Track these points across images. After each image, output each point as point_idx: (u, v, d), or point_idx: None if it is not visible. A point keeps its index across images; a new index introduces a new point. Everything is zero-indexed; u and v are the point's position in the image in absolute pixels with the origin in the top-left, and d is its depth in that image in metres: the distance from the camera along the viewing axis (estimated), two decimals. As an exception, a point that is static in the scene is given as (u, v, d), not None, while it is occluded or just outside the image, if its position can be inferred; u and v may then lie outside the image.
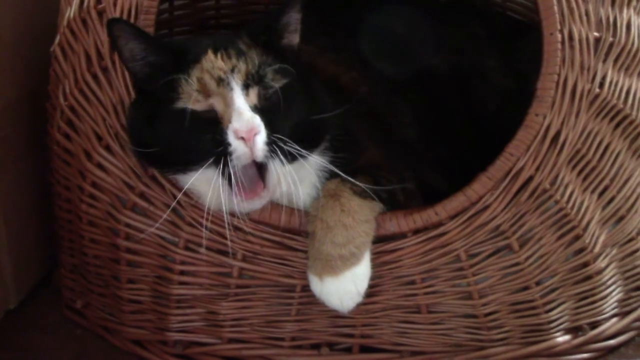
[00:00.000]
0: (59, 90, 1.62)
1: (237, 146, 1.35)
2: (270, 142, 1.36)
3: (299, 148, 1.38)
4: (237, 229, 1.51)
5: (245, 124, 1.34)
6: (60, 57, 1.62)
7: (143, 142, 1.43)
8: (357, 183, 1.45)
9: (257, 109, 1.37)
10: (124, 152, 1.52)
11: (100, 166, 1.56)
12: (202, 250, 1.53)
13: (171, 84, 1.38)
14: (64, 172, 1.65)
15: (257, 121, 1.35)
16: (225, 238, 1.50)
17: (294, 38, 1.46)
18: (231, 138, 1.35)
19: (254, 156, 1.36)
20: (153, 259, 1.57)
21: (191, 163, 1.39)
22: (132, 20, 1.49)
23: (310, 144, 1.43)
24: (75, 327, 1.75)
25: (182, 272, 1.56)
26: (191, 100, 1.36)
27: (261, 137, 1.35)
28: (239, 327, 1.59)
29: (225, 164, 1.36)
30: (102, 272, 1.66)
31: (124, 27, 1.40)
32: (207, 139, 1.37)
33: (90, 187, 1.59)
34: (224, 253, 1.53)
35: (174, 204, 1.48)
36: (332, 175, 1.48)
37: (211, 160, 1.36)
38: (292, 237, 1.51)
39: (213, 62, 1.38)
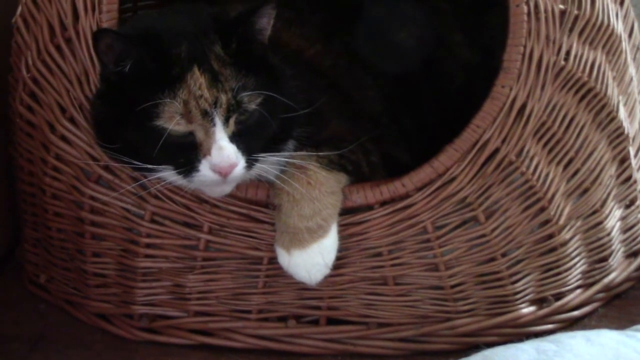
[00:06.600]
0: (21, 62, 1.59)
1: (210, 175, 1.35)
2: (247, 165, 1.36)
3: (272, 154, 1.40)
4: (203, 201, 1.50)
5: (226, 159, 1.34)
6: (22, 28, 1.59)
7: (108, 139, 1.40)
8: (323, 155, 1.45)
9: (235, 136, 1.36)
10: (88, 124, 1.50)
11: (64, 138, 1.54)
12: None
13: (152, 98, 1.34)
14: (27, 145, 1.63)
15: (237, 156, 1.34)
16: (192, 210, 1.49)
17: (266, 36, 1.42)
18: (205, 167, 1.34)
19: (226, 181, 1.37)
20: (118, 231, 1.56)
21: (156, 170, 1.38)
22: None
23: (283, 140, 1.45)
24: (39, 302, 1.73)
25: (148, 245, 1.55)
26: (173, 123, 1.33)
27: (239, 169, 1.35)
28: (205, 300, 1.58)
29: (192, 176, 1.36)
30: (66, 245, 1.64)
31: (111, 35, 1.35)
32: (179, 159, 1.36)
33: (53, 160, 1.57)
34: (191, 225, 1.52)
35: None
36: (297, 147, 1.48)
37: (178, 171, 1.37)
38: (259, 210, 1.50)
39: (200, 86, 1.34)
